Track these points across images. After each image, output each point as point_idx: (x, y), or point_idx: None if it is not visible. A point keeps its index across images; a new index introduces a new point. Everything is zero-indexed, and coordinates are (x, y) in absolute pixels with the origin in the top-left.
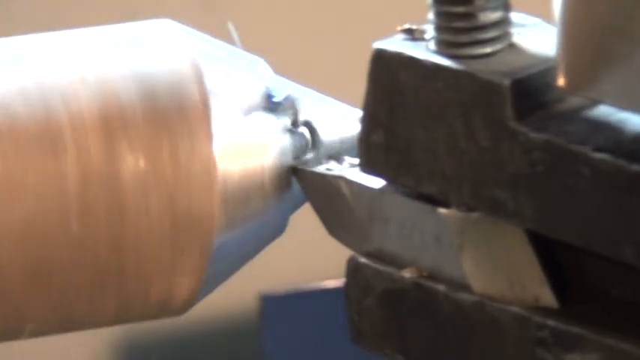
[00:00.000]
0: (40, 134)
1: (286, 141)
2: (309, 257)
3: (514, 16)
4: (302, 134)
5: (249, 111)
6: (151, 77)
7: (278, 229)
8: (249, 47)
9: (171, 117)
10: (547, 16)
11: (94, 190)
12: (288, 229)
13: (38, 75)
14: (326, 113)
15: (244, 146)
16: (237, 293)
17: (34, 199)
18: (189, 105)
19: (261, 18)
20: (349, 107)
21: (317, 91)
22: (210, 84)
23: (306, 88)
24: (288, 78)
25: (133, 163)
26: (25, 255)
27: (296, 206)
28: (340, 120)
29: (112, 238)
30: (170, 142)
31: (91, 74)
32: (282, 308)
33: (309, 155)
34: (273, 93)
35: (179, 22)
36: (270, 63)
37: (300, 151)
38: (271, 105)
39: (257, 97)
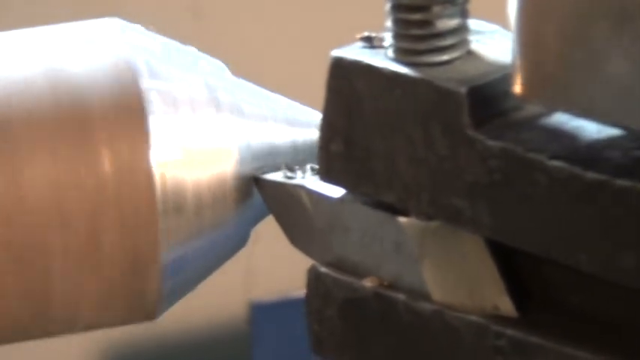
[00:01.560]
0: None
1: (246, 149)
2: (298, 265)
3: (472, 23)
4: (262, 142)
5: (205, 116)
6: (85, 77)
7: (240, 240)
8: (236, 53)
9: (106, 119)
10: (506, 23)
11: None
12: (277, 237)
13: None
14: (286, 118)
15: (201, 153)
16: (227, 301)
17: None
18: (125, 108)
19: (250, 26)
20: (309, 110)
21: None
22: (152, 85)
23: (266, 91)
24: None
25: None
26: None
27: (258, 218)
28: (301, 125)
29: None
30: (107, 145)
31: (11, 70)
32: (272, 316)
33: (269, 163)
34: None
35: (169, 30)
36: (255, 69)
37: (260, 159)
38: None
39: (215, 102)
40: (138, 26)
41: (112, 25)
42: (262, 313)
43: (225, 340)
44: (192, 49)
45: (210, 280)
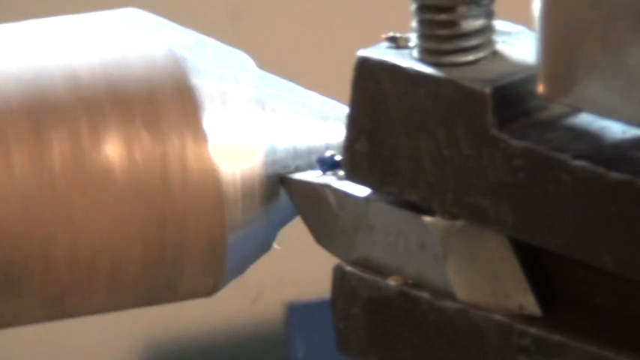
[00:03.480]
0: None
1: (274, 148)
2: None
3: (498, 24)
4: (290, 139)
5: (233, 111)
6: (126, 70)
7: (266, 241)
8: (273, 54)
9: (165, 110)
10: (532, 24)
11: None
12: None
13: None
14: (311, 113)
15: (236, 149)
16: (264, 302)
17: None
18: (182, 103)
19: (286, 27)
20: (337, 104)
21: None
22: (194, 80)
23: (296, 85)
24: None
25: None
26: None
27: (285, 220)
28: (326, 122)
29: None
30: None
31: (59, 62)
32: (309, 317)
33: (296, 163)
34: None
35: (207, 31)
36: (283, 66)
37: (287, 158)
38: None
39: (244, 97)
40: (159, 18)
41: (137, 16)
42: (299, 313)
43: (262, 341)
44: (217, 42)
45: (247, 281)
